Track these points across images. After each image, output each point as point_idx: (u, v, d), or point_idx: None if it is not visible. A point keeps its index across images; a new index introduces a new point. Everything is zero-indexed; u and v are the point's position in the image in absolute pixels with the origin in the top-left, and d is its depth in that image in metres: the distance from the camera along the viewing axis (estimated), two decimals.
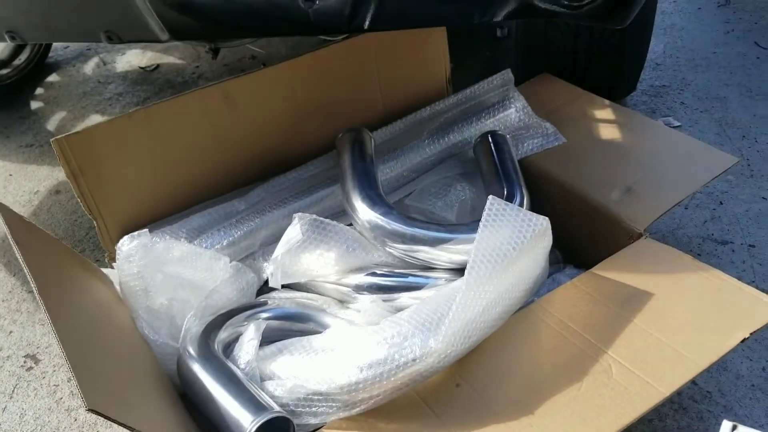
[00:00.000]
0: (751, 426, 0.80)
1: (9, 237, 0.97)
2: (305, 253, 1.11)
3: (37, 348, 1.38)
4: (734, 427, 0.75)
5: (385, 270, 1.14)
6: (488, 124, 1.44)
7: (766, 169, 1.61)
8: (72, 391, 1.28)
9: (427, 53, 1.49)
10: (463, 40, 2.22)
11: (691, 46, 2.13)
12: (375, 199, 1.16)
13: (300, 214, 1.10)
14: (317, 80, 1.36)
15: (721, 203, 1.53)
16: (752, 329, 0.94)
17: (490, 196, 1.00)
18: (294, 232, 1.09)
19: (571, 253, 1.28)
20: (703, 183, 1.23)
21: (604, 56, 1.64)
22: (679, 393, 1.13)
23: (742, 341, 0.92)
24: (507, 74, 1.50)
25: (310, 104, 1.36)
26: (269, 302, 1.13)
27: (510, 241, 0.97)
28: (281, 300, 1.15)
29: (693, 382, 1.06)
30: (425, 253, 1.11)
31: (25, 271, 0.91)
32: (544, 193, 1.29)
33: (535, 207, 1.10)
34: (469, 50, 2.19)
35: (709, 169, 1.25)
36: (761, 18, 2.25)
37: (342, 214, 1.28)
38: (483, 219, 0.97)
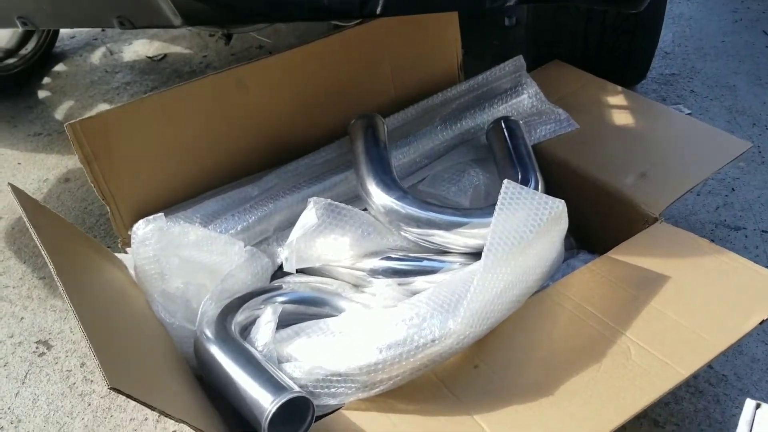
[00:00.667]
0: None
1: (26, 220, 0.97)
2: (320, 238, 1.11)
3: (49, 334, 1.38)
4: (758, 406, 0.75)
5: (400, 254, 1.14)
6: (501, 110, 1.43)
7: None
8: (85, 377, 1.29)
9: (439, 39, 1.48)
10: (471, 29, 2.21)
11: (700, 35, 2.13)
12: (389, 183, 1.16)
13: (315, 198, 1.09)
14: (330, 66, 1.36)
15: (733, 189, 1.53)
16: None
17: (506, 180, 0.99)
18: (309, 216, 1.09)
19: (584, 240, 1.28)
20: (716, 168, 1.23)
21: (615, 44, 1.63)
22: (695, 376, 1.13)
23: (761, 323, 0.92)
24: (519, 60, 1.50)
25: (322, 90, 1.36)
26: (284, 287, 1.13)
27: (526, 223, 0.97)
28: (296, 284, 1.15)
29: (709, 365, 1.06)
30: (440, 237, 1.11)
31: (43, 253, 0.91)
32: (556, 179, 1.29)
33: (548, 193, 1.09)
34: (477, 39, 2.18)
35: (722, 155, 1.25)
36: None
37: (355, 199, 1.27)
38: (499, 202, 0.97)
